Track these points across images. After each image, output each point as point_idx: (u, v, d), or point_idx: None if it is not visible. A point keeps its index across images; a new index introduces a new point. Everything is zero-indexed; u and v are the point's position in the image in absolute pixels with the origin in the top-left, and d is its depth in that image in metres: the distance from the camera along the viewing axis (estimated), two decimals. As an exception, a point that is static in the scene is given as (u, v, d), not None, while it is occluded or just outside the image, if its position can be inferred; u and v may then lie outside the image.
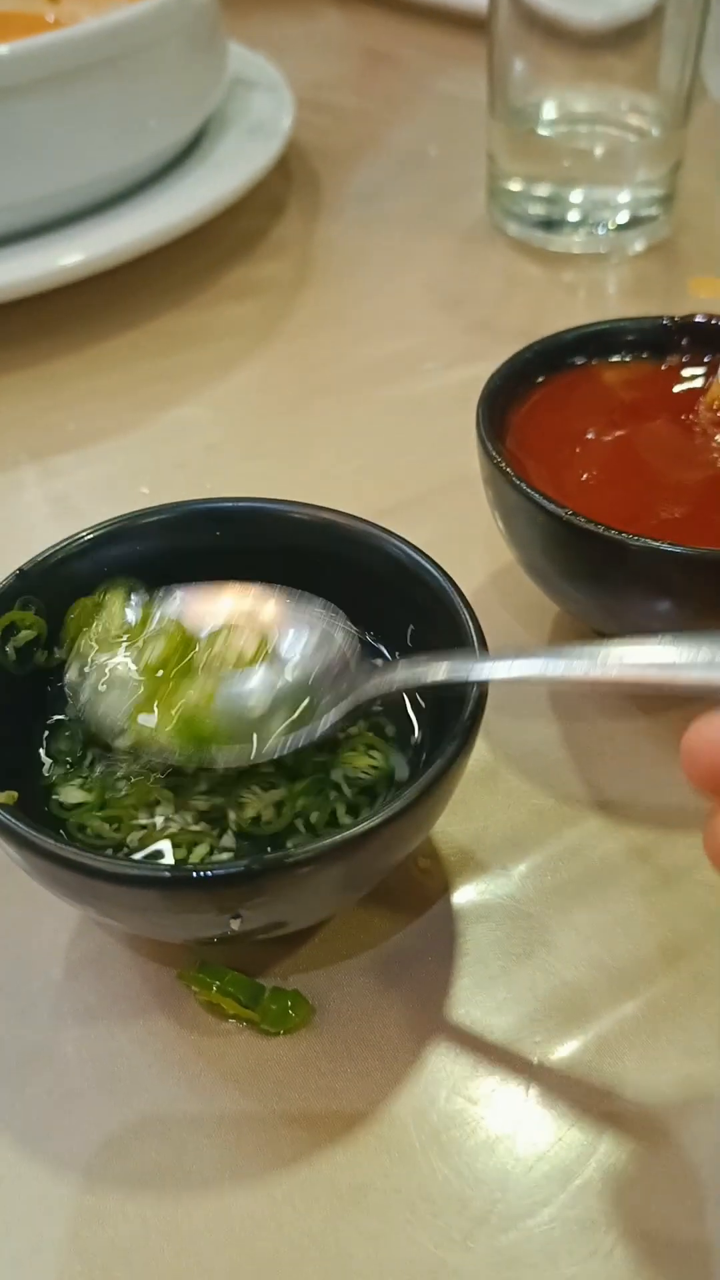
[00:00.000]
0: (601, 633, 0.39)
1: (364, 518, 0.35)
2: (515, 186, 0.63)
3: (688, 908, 0.33)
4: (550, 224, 0.63)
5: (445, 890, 0.34)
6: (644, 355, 0.42)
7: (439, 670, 0.29)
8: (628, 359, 0.42)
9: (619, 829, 0.35)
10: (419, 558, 0.33)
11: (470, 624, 0.31)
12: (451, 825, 0.35)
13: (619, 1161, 0.28)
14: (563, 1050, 0.30)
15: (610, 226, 0.62)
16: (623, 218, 0.63)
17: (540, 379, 0.41)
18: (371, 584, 0.34)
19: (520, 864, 0.34)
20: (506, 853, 0.35)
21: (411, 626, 0.34)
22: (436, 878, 0.34)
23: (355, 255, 0.64)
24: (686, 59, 0.60)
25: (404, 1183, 0.28)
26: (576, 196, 0.63)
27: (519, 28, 0.59)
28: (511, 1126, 0.29)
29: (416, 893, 0.34)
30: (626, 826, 0.35)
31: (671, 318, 0.41)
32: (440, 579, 0.32)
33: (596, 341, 0.41)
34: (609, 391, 0.40)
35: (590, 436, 0.39)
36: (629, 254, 0.63)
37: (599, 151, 0.62)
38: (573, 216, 0.63)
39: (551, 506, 0.34)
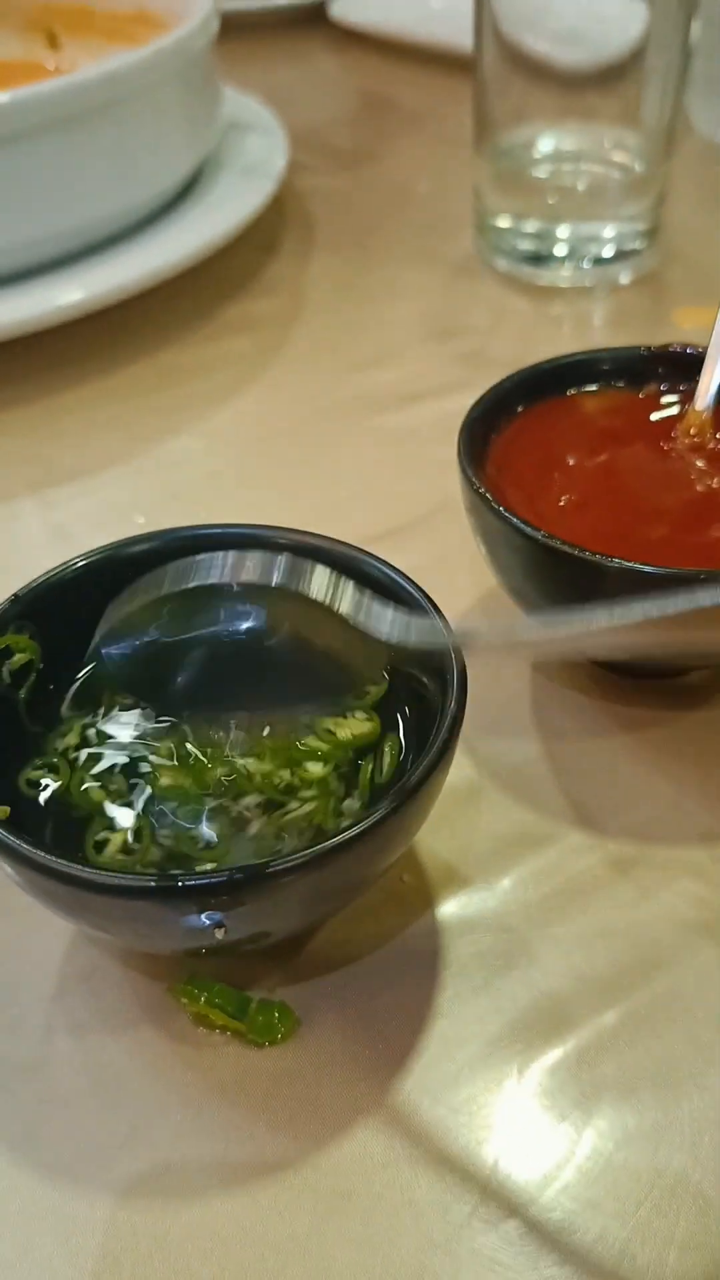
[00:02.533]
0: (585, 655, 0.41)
1: (349, 543, 0.36)
2: (502, 223, 0.65)
3: (665, 920, 0.34)
4: (537, 258, 0.65)
5: (429, 905, 0.35)
6: (622, 384, 0.43)
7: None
8: (606, 387, 0.43)
9: (599, 843, 0.36)
10: (399, 579, 0.34)
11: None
12: (435, 841, 0.36)
13: (596, 1166, 0.29)
14: (543, 1059, 0.31)
15: (596, 260, 0.64)
16: (608, 251, 0.64)
17: (520, 408, 0.42)
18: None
19: (503, 878, 0.35)
20: (489, 867, 0.36)
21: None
22: (420, 893, 0.35)
23: (347, 290, 0.66)
24: (666, 96, 0.61)
25: (387, 1189, 0.29)
26: (563, 232, 0.64)
27: (504, 68, 0.61)
28: (492, 1134, 0.30)
29: (400, 907, 0.34)
30: (606, 841, 0.36)
31: (648, 347, 0.43)
32: (419, 598, 0.33)
33: (575, 371, 0.43)
34: (588, 419, 0.42)
35: (570, 463, 0.40)
36: (615, 286, 0.64)
37: (583, 188, 0.64)
38: (559, 251, 0.64)
39: (529, 530, 0.35)
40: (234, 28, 1.06)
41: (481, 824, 0.37)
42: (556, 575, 0.36)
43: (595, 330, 0.62)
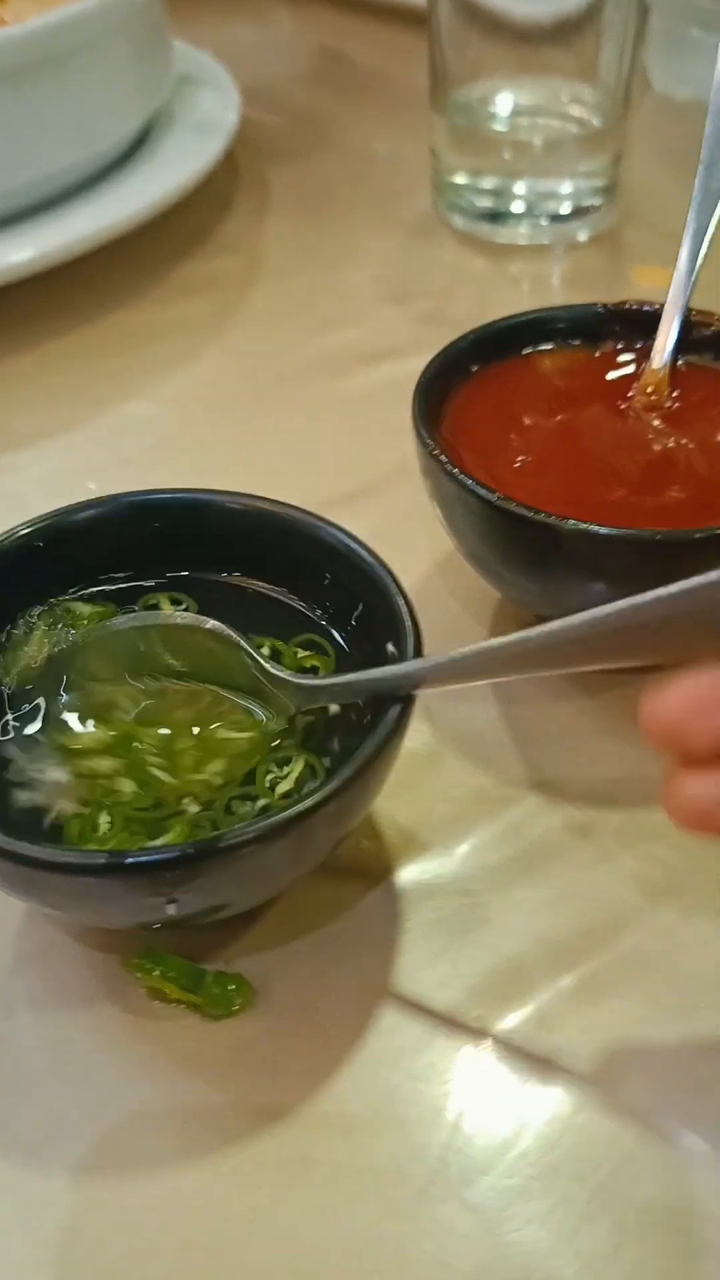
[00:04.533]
0: (543, 618, 0.40)
1: (302, 507, 0.35)
2: (459, 180, 0.64)
3: (626, 883, 0.34)
4: (495, 216, 0.64)
5: (388, 871, 0.34)
6: (578, 342, 0.42)
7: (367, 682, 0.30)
8: (562, 346, 0.42)
9: (558, 807, 0.36)
10: (354, 544, 0.33)
11: (404, 608, 0.31)
12: (394, 807, 0.36)
13: (555, 1130, 0.29)
14: (503, 1024, 0.31)
15: (553, 217, 0.63)
16: (566, 208, 0.63)
17: (476, 368, 0.41)
18: (314, 570, 0.35)
19: (462, 843, 0.35)
20: (448, 832, 0.35)
21: (359, 608, 0.34)
22: (379, 859, 0.35)
23: (304, 251, 0.65)
24: (624, 51, 0.60)
25: (347, 1157, 0.29)
26: (520, 188, 0.63)
27: (458, 22, 0.60)
28: (451, 1100, 0.29)
29: (359, 874, 0.34)
30: (566, 805, 0.36)
31: (604, 305, 0.42)
32: (374, 564, 0.33)
33: (531, 329, 0.42)
34: (544, 379, 0.41)
35: (526, 423, 0.39)
36: (573, 244, 0.63)
37: (540, 143, 0.63)
38: (517, 208, 0.63)
39: (484, 492, 0.35)
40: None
41: (440, 789, 0.37)
42: (512, 538, 0.35)
43: (553, 289, 0.61)
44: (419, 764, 0.37)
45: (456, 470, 0.35)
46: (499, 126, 0.63)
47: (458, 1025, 0.31)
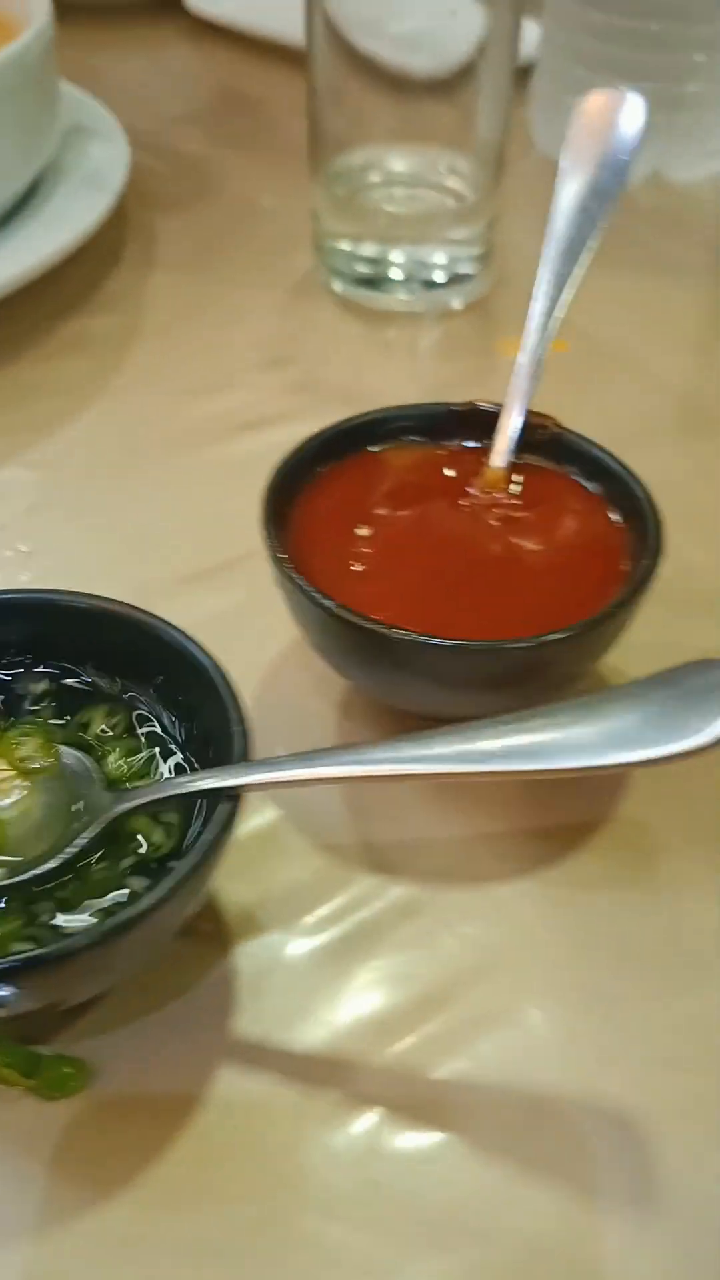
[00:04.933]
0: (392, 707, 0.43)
1: (134, 605, 0.37)
2: (338, 245, 0.66)
3: (449, 961, 0.36)
4: (373, 282, 0.66)
5: (226, 951, 0.37)
6: (425, 440, 0.45)
7: (190, 784, 0.32)
8: (409, 444, 0.45)
9: (389, 888, 0.38)
10: (187, 643, 0.35)
11: (233, 711, 0.34)
12: (234, 886, 0.38)
13: (376, 1195, 0.31)
14: (326, 1101, 0.33)
15: (428, 285, 0.66)
16: (440, 276, 0.66)
17: (326, 465, 0.43)
18: (150, 666, 0.37)
19: (298, 923, 0.37)
20: (286, 912, 0.38)
21: (194, 707, 0.36)
22: (217, 940, 0.37)
23: (187, 309, 0.66)
24: (499, 116, 0.62)
25: (175, 1232, 0.31)
26: (397, 256, 0.66)
27: (337, 81, 0.61)
28: (278, 1177, 0.32)
29: (198, 955, 0.36)
30: (396, 885, 0.38)
31: (450, 405, 0.45)
32: (207, 664, 0.35)
33: (379, 428, 0.45)
34: (390, 477, 0.44)
35: (370, 521, 0.42)
36: (447, 312, 0.66)
37: (416, 212, 0.65)
38: (394, 275, 0.66)
39: (320, 599, 0.37)
40: (86, 10, 1.04)
41: (280, 868, 0.39)
42: (348, 643, 0.38)
43: (424, 359, 0.64)
44: (261, 842, 0.39)
45: (294, 575, 0.38)
46: (376, 195, 0.66)
47: (284, 1104, 0.33)
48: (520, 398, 0.43)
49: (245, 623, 0.46)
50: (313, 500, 0.42)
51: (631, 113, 0.45)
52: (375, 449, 0.44)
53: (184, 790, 0.32)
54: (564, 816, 0.40)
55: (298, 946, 0.37)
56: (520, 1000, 0.36)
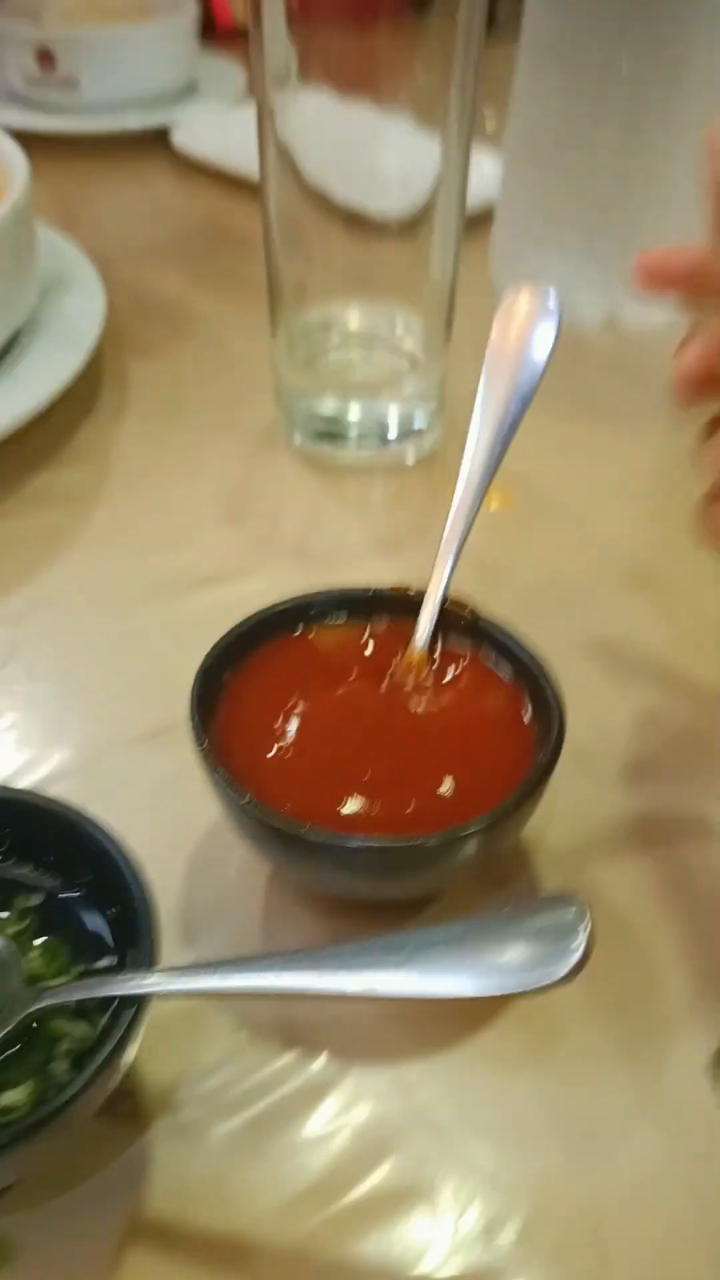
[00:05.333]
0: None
1: (61, 801, 0.39)
2: (297, 400, 0.70)
3: (359, 1141, 0.38)
4: (330, 437, 0.70)
5: (144, 1130, 0.39)
6: (353, 622, 0.48)
7: (97, 989, 0.34)
8: (337, 627, 0.48)
9: (307, 1064, 0.40)
10: (109, 845, 0.38)
11: (145, 916, 0.36)
12: (156, 1064, 0.40)
13: None
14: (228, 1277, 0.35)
15: (383, 440, 0.69)
16: (394, 433, 0.69)
17: (257, 646, 0.46)
18: (78, 861, 0.39)
19: (215, 1101, 0.39)
20: (204, 1091, 0.40)
21: (115, 905, 0.38)
22: (136, 1120, 0.39)
23: (153, 461, 0.70)
24: (449, 257, 0.65)
25: None
26: (354, 413, 0.69)
27: (294, 220, 0.64)
28: None
29: (114, 1136, 0.38)
30: (313, 1061, 0.41)
31: (376, 588, 0.48)
32: (126, 869, 0.37)
33: (311, 609, 0.47)
34: (317, 659, 0.46)
35: (293, 705, 0.44)
36: (401, 467, 0.70)
37: (373, 374, 0.69)
38: (351, 431, 0.69)
39: (234, 793, 0.40)
40: (75, 144, 1.10)
41: (201, 1046, 0.41)
42: (264, 836, 0.41)
43: (376, 511, 0.67)
44: (184, 1018, 0.42)
45: (216, 767, 0.40)
46: (334, 356, 0.69)
47: (192, 1275, 0.35)
48: (440, 587, 0.46)
49: (190, 785, 0.48)
50: (241, 682, 0.45)
51: (546, 314, 0.48)
52: (305, 631, 0.47)
53: (94, 994, 0.34)
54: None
55: (213, 1126, 0.39)
56: (420, 1182, 0.37)
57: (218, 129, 1.09)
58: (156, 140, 1.11)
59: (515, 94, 0.80)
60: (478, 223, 0.88)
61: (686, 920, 0.45)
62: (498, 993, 0.29)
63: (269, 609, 0.47)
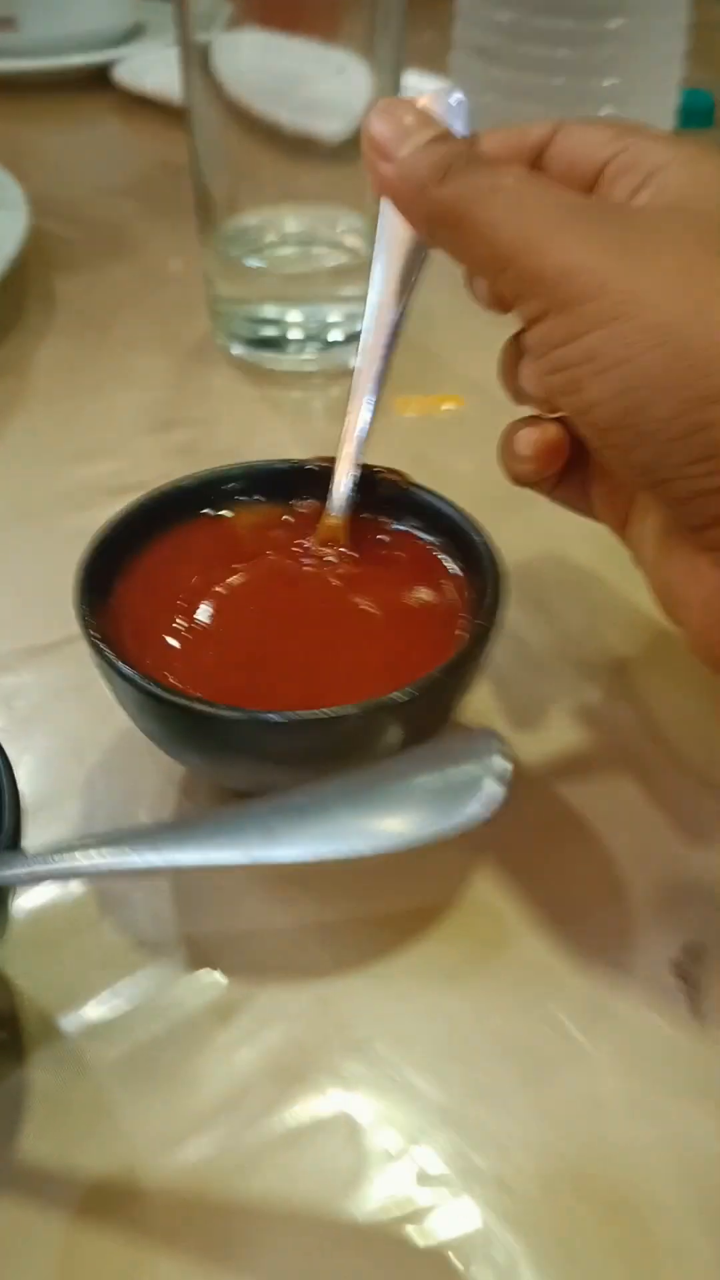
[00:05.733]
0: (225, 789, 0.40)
1: None
2: (232, 309, 0.65)
3: (265, 1066, 0.33)
4: (269, 343, 0.64)
5: (20, 1063, 0.33)
6: (266, 499, 0.42)
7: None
8: (251, 504, 0.42)
9: (208, 984, 0.35)
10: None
11: (8, 800, 0.31)
12: (37, 981, 0.35)
13: None
14: (108, 1235, 0.30)
15: (325, 345, 0.64)
16: (338, 335, 0.64)
17: (160, 529, 0.41)
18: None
19: (100, 1027, 0.34)
20: (88, 1014, 0.34)
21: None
22: (12, 1051, 0.34)
23: (76, 377, 0.65)
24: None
25: None
26: (294, 316, 0.64)
27: (222, 139, 0.60)
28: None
29: (-15, 1066, 0.33)
30: (216, 979, 0.35)
31: (292, 461, 0.42)
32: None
33: (218, 486, 0.42)
34: (227, 538, 0.41)
35: (199, 589, 0.39)
36: (345, 371, 0.64)
37: (310, 271, 0.64)
38: (293, 335, 0.64)
39: (127, 672, 0.34)
40: (17, 86, 1.05)
41: (87, 960, 0.36)
42: (162, 720, 0.35)
43: (316, 418, 0.61)
44: (70, 926, 0.36)
45: (104, 647, 0.35)
46: (270, 255, 0.64)
47: (69, 1227, 0.30)
48: (355, 443, 0.40)
49: (93, 700, 0.43)
50: (142, 566, 0.40)
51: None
52: (214, 510, 0.42)
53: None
54: (400, 903, 0.37)
55: (102, 1055, 0.33)
56: (338, 1109, 0.32)
57: (161, 65, 1.04)
58: (100, 82, 1.07)
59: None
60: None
61: (646, 820, 0.39)
62: (400, 845, 0.24)
63: (172, 484, 0.42)
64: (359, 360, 0.40)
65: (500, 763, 0.24)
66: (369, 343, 0.40)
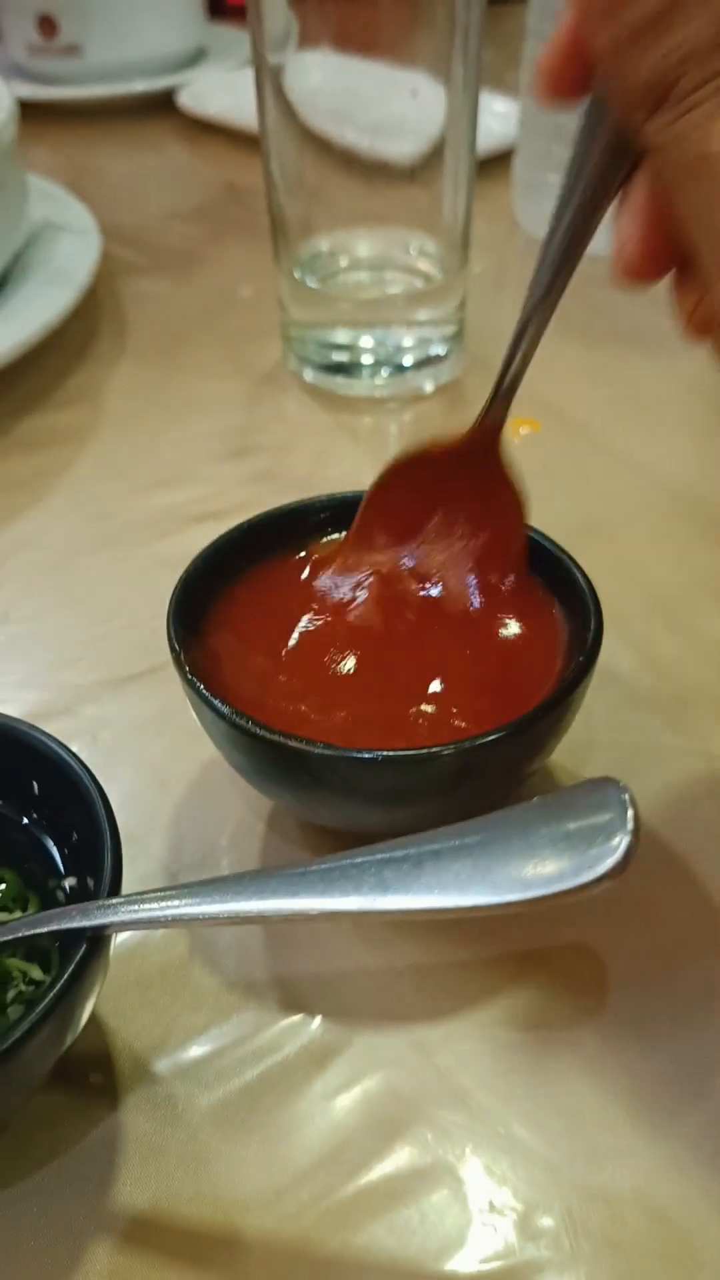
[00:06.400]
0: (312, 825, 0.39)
1: (18, 719, 0.34)
2: (305, 333, 0.64)
3: (366, 1116, 0.32)
4: (342, 369, 0.64)
5: (114, 1107, 0.33)
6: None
7: (48, 922, 0.28)
8: (335, 535, 0.42)
9: (303, 1030, 0.34)
10: (65, 756, 0.32)
11: (107, 837, 0.30)
12: (131, 1030, 0.34)
13: None
14: (210, 1272, 0.29)
15: (398, 369, 0.63)
16: (409, 360, 0.64)
17: (252, 559, 0.41)
18: (32, 785, 0.34)
19: (197, 1074, 0.33)
20: (185, 1062, 0.34)
21: (73, 829, 0.33)
22: (106, 1094, 0.33)
23: (150, 403, 0.65)
24: (462, 195, 0.61)
25: None
26: (367, 341, 0.64)
27: (295, 164, 0.60)
28: None
29: (80, 1112, 0.33)
30: (310, 1026, 0.34)
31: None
32: (86, 782, 0.32)
33: (311, 517, 0.42)
34: (316, 571, 0.40)
35: (292, 618, 0.39)
36: (419, 396, 0.64)
37: (383, 296, 0.63)
38: (365, 360, 0.64)
39: (220, 707, 0.34)
40: (84, 112, 1.06)
41: (184, 1009, 0.35)
42: (254, 755, 0.35)
43: (390, 443, 0.61)
44: (165, 978, 0.36)
45: (195, 680, 0.35)
46: (342, 281, 0.64)
47: (169, 1269, 0.29)
48: None
49: (177, 730, 0.43)
50: (231, 602, 0.39)
51: None
52: (298, 540, 0.41)
53: (36, 931, 0.29)
54: (499, 947, 0.36)
55: (196, 1100, 0.33)
56: (441, 1161, 0.31)
57: (224, 89, 1.05)
58: (163, 107, 1.07)
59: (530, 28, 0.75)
60: (497, 162, 0.83)
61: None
62: (523, 898, 0.23)
63: (260, 516, 0.41)
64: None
65: (631, 813, 0.23)
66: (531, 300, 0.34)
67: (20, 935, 0.29)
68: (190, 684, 0.35)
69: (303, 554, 0.41)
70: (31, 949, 0.31)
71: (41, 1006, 0.26)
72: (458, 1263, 0.29)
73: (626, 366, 0.66)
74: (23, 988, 0.31)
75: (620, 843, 0.23)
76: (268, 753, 0.34)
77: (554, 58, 0.28)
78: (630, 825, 0.23)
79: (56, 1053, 0.29)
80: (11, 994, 0.30)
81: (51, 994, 0.27)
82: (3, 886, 0.33)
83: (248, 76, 0.71)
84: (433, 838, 0.25)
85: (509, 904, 0.24)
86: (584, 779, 0.26)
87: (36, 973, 0.31)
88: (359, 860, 0.26)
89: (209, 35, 1.17)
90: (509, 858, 0.24)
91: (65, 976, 0.27)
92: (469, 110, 0.59)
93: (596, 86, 0.28)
